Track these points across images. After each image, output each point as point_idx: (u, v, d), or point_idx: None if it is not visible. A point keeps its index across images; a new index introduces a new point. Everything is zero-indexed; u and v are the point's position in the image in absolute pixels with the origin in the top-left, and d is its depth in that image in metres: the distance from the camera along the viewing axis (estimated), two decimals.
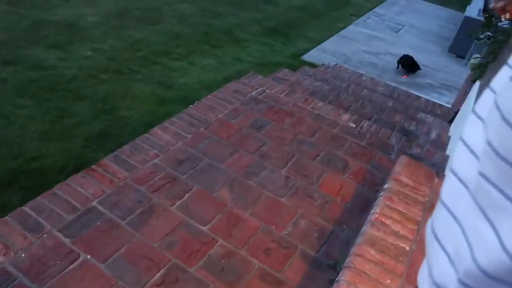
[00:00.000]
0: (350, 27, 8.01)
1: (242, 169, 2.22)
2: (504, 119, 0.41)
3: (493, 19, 3.15)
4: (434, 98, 5.62)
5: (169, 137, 2.39)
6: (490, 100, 0.47)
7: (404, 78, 5.81)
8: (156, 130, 2.45)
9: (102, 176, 2.04)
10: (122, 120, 3.50)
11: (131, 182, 2.03)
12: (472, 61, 3.92)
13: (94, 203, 1.88)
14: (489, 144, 0.44)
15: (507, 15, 0.94)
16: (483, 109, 0.49)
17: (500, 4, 0.93)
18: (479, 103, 0.52)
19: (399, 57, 6.69)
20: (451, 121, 3.78)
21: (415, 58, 6.69)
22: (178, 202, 1.95)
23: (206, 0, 7.47)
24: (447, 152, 2.84)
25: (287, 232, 1.88)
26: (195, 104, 2.77)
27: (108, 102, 3.73)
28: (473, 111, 0.52)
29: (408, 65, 6.38)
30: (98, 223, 1.78)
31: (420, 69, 6.46)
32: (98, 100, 3.74)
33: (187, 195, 2.00)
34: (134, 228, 1.79)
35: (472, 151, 0.50)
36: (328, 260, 1.78)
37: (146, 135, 2.40)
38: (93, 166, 2.10)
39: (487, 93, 0.51)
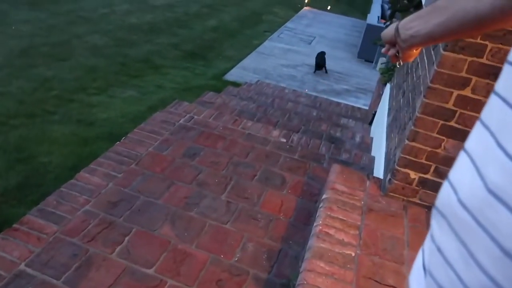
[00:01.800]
0: (266, 43, 8.30)
1: (181, 202, 2.16)
2: (505, 251, 0.36)
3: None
4: (352, 102, 6.00)
5: (99, 180, 2.25)
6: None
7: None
8: (83, 173, 2.30)
9: (27, 235, 1.86)
10: (41, 167, 3.23)
11: (62, 235, 1.87)
12: (380, 66, 4.25)
13: (22, 266, 1.70)
14: (489, 276, 0.38)
15: (400, 61, 0.97)
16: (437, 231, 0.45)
17: (392, 52, 0.97)
18: (433, 223, 0.46)
19: (314, 67, 7.13)
20: (371, 123, 4.04)
21: (329, 66, 7.19)
22: (118, 248, 1.84)
23: (118, 30, 7.27)
24: (372, 154, 3.03)
25: (236, 259, 1.86)
26: (122, 140, 2.65)
27: (23, 150, 3.42)
28: (436, 206, 0.47)
29: (322, 62, 7.05)
30: None
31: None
32: (11, 149, 3.42)
33: (126, 238, 1.89)
34: (72, 286, 1.65)
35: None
36: (280, 279, 1.78)
37: (72, 180, 2.24)
38: (15, 225, 1.91)
39: (435, 216, 0.46)
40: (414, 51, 0.92)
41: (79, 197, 2.11)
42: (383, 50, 1.02)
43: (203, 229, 2.00)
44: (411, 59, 0.96)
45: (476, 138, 0.43)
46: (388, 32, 0.95)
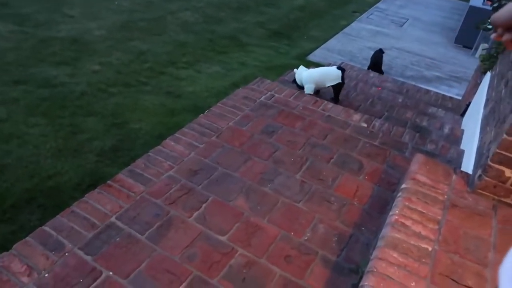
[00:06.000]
0: (353, 24, 7.98)
1: (257, 176, 2.21)
2: None
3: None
4: (444, 90, 5.57)
5: (182, 148, 2.40)
6: None
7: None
8: (168, 141, 2.46)
9: (118, 192, 2.05)
10: (133, 133, 3.52)
11: (148, 195, 2.04)
12: (480, 52, 3.86)
13: (113, 219, 1.89)
14: None
15: None
16: None
17: (509, 37, 0.84)
18: None
19: (403, 52, 6.62)
20: (463, 114, 3.73)
21: (422, 51, 6.66)
22: (195, 213, 1.95)
23: (208, 7, 7.51)
24: (462, 147, 2.81)
25: (306, 238, 1.87)
26: (205, 113, 2.77)
27: (118, 116, 3.76)
28: None
29: (379, 62, 5.90)
30: (117, 239, 1.79)
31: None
32: (108, 114, 3.77)
33: (203, 205, 2.01)
34: (154, 242, 1.80)
35: None
36: (349, 264, 1.76)
37: (158, 147, 2.41)
38: (109, 182, 2.12)
39: None
40: None
41: (164, 163, 2.27)
42: (492, 36, 0.90)
43: (275, 205, 2.04)
44: None
45: None
46: (504, 13, 0.84)
